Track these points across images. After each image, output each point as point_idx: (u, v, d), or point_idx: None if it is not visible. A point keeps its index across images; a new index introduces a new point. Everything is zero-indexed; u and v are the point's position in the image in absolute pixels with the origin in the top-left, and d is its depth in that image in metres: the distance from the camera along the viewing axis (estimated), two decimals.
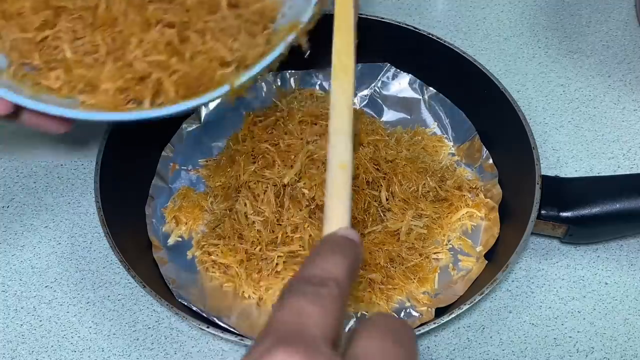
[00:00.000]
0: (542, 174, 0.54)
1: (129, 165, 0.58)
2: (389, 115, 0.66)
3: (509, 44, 0.73)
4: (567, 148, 0.64)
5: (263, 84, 0.66)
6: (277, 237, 0.53)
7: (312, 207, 0.53)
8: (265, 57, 0.46)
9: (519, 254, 0.51)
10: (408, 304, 0.54)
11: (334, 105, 0.40)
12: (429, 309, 0.53)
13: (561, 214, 0.53)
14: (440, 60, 0.63)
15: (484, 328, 0.54)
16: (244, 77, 0.45)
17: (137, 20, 0.46)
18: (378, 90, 0.66)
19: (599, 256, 0.58)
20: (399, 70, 0.66)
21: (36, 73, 0.46)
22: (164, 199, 0.60)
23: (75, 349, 0.53)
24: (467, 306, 0.49)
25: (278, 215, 0.54)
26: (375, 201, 0.55)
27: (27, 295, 0.56)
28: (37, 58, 0.46)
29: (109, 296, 0.56)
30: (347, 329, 0.52)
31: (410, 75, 0.66)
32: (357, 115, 0.61)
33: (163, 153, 0.62)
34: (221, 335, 0.48)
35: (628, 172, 0.62)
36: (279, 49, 0.46)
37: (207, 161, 0.62)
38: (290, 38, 0.47)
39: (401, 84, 0.66)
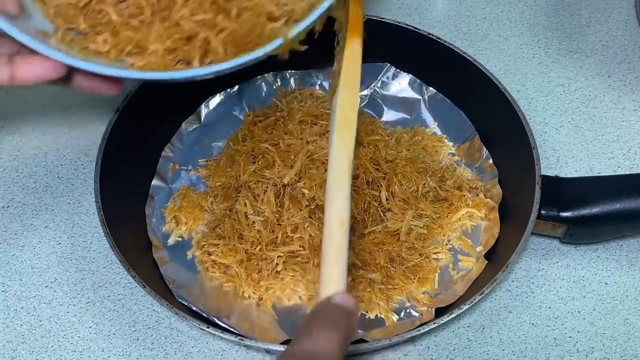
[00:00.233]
0: (542, 174, 0.54)
1: (129, 165, 0.58)
2: (389, 115, 0.66)
3: (509, 44, 0.73)
4: (567, 148, 0.64)
5: (263, 84, 0.66)
6: (277, 237, 0.53)
7: (312, 207, 0.53)
8: (315, 9, 0.45)
9: (519, 254, 0.51)
10: (408, 304, 0.54)
11: (334, 160, 0.40)
12: (429, 309, 0.53)
13: (561, 214, 0.53)
14: (440, 60, 0.63)
15: (484, 328, 0.54)
16: (296, 30, 0.44)
17: None
18: (378, 90, 0.66)
19: (599, 256, 0.58)
20: (399, 70, 0.66)
21: (83, 37, 0.46)
22: (164, 199, 0.60)
23: (75, 349, 0.53)
24: (467, 306, 0.49)
25: (278, 215, 0.54)
26: (375, 201, 0.55)
27: (27, 295, 0.56)
28: (83, 22, 0.46)
29: (109, 296, 0.56)
30: None
31: (410, 75, 0.66)
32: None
33: (163, 153, 0.62)
34: (221, 335, 0.48)
35: (628, 172, 0.62)
36: (328, 1, 0.45)
37: (207, 161, 0.62)
38: None
39: (401, 84, 0.66)
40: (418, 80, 0.66)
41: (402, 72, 0.66)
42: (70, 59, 0.43)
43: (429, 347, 0.53)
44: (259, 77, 0.66)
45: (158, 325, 0.54)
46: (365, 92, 0.66)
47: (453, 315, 0.48)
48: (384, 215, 0.56)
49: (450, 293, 0.53)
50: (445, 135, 0.64)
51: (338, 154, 0.40)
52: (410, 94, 0.66)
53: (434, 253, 0.56)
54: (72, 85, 0.46)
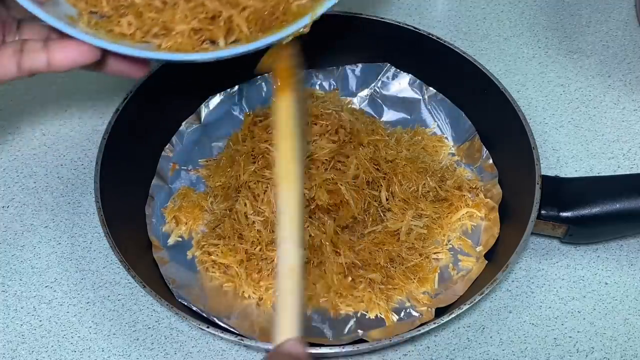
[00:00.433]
0: (542, 174, 0.54)
1: (129, 165, 0.58)
2: (389, 115, 0.66)
3: (509, 44, 0.73)
4: (567, 148, 0.64)
5: (263, 84, 0.66)
6: (277, 237, 0.53)
7: (312, 207, 0.53)
8: None
9: (519, 254, 0.51)
10: (408, 304, 0.54)
11: (281, 213, 0.41)
12: (429, 309, 0.53)
13: (561, 214, 0.53)
14: (440, 60, 0.63)
15: (484, 328, 0.54)
16: (324, 6, 0.44)
17: None
18: (378, 90, 0.66)
19: (599, 256, 0.58)
20: (399, 70, 0.66)
21: (107, 21, 0.46)
22: (164, 199, 0.60)
23: (75, 349, 0.53)
24: (467, 306, 0.49)
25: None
26: (375, 201, 0.55)
27: (27, 295, 0.56)
28: (105, 5, 0.45)
29: (109, 296, 0.56)
30: (346, 329, 0.52)
31: (410, 75, 0.66)
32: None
33: (163, 153, 0.62)
34: (221, 335, 0.48)
35: (628, 172, 0.62)
36: None
37: (207, 161, 0.62)
38: None
39: (401, 84, 0.66)
40: (418, 80, 0.66)
41: (402, 72, 0.66)
42: (106, 42, 0.43)
43: (429, 347, 0.53)
44: (259, 77, 0.66)
45: (158, 325, 0.54)
46: (365, 92, 0.66)
47: (453, 315, 0.48)
48: (384, 215, 0.56)
49: (450, 293, 0.53)
50: (445, 135, 0.64)
51: (284, 208, 0.42)
52: (410, 94, 0.66)
53: (434, 253, 0.56)
54: (104, 69, 0.46)
